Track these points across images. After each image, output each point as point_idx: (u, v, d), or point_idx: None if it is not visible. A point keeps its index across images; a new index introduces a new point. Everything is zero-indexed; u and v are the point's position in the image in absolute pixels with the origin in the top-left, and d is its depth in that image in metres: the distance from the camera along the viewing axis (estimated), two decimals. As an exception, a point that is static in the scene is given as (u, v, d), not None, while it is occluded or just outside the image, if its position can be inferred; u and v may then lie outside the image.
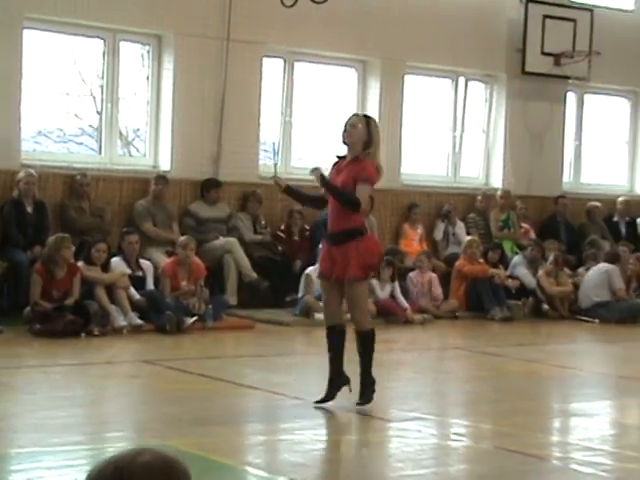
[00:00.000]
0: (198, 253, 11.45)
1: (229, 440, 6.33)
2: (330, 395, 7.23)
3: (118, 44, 12.33)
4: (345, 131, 7.19)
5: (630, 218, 15.80)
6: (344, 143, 7.23)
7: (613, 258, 13.67)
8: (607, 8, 15.62)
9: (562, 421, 7.74)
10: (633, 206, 15.89)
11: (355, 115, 7.51)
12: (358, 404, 7.17)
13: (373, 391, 7.21)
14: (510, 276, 13.44)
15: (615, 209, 15.73)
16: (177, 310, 10.64)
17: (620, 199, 15.79)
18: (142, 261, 11.18)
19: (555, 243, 14.11)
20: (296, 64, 13.57)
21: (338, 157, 7.38)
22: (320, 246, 11.65)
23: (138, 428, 6.69)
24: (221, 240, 12.21)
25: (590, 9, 15.17)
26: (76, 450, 5.86)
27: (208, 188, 12.46)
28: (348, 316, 7.42)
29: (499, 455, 6.21)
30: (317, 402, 7.20)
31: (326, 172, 7.33)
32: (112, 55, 12.29)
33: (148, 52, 12.63)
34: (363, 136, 7.14)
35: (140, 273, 11.02)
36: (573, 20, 14.94)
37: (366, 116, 7.45)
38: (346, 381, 7.27)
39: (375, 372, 7.29)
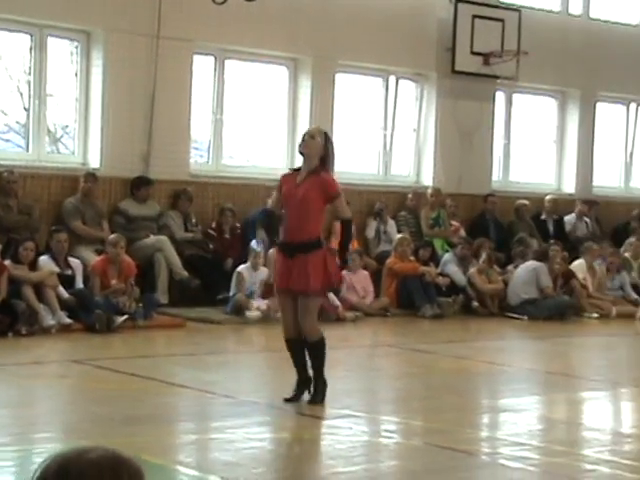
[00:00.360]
0: (128, 251, 11.35)
1: (160, 439, 6.29)
2: (297, 396, 7.35)
3: (45, 40, 12.16)
4: (303, 141, 7.28)
5: (557, 216, 16.03)
6: (300, 153, 7.33)
7: (541, 256, 13.85)
8: (534, 9, 15.84)
9: (491, 417, 7.83)
10: (560, 204, 16.13)
11: (315, 127, 7.62)
12: (310, 402, 7.30)
13: (324, 391, 7.33)
14: (440, 274, 13.54)
15: (543, 207, 15.95)
16: (107, 309, 10.54)
17: (548, 197, 16.01)
18: (71, 259, 11.05)
19: (487, 241, 14.23)
20: (227, 62, 13.51)
21: (292, 169, 7.51)
22: (253, 244, 11.74)
23: (67, 429, 6.61)
24: (152, 238, 12.12)
25: (518, 9, 15.36)
26: (2, 452, 5.78)
27: (138, 186, 12.36)
28: None
29: (429, 451, 6.25)
30: (286, 399, 7.30)
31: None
32: (39, 51, 12.12)
33: (77, 48, 12.48)
34: (320, 150, 7.21)
35: (69, 272, 10.89)
36: (501, 20, 15.11)
37: (325, 132, 7.46)
38: (309, 385, 7.37)
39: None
